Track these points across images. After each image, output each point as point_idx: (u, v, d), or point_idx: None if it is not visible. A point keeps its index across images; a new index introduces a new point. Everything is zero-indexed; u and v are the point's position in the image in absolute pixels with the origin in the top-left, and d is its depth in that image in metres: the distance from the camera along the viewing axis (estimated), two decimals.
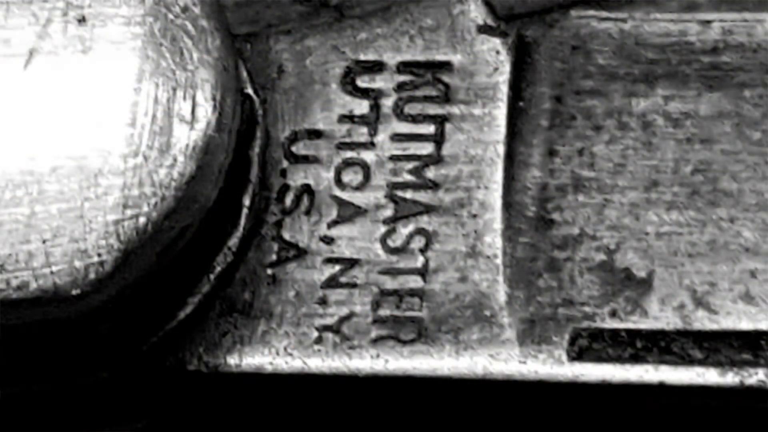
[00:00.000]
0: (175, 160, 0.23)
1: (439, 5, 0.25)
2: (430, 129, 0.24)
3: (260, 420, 0.26)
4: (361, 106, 0.24)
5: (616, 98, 0.24)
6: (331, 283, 0.24)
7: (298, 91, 0.25)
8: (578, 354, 0.24)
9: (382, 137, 0.24)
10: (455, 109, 0.24)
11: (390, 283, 0.24)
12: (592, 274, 0.24)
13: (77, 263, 0.22)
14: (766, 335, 0.23)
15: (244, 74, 0.24)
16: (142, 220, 0.22)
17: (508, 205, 0.24)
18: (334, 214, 0.24)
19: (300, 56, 0.25)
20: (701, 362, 0.23)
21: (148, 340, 0.24)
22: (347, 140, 0.24)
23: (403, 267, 0.24)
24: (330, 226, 0.24)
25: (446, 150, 0.24)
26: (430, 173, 0.24)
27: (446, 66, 0.25)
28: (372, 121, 0.24)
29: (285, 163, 0.24)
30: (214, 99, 0.23)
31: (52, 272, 0.22)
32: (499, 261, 0.24)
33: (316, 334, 0.24)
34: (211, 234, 0.24)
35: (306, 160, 0.24)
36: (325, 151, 0.25)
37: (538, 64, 0.25)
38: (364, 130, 0.25)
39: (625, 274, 0.24)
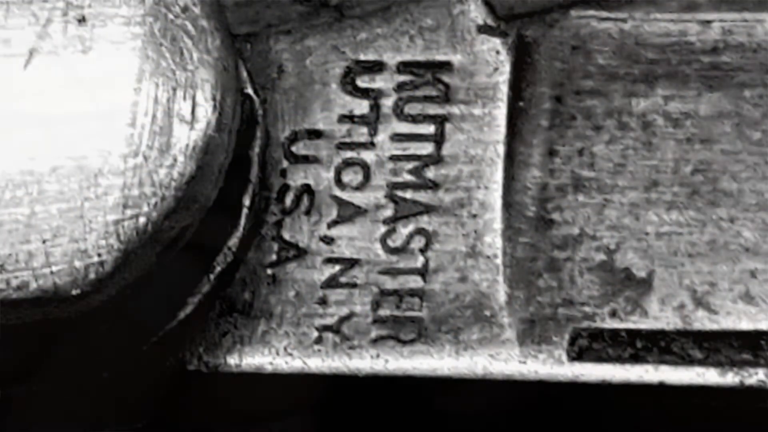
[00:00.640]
0: (175, 160, 0.23)
1: (439, 5, 0.25)
2: (430, 129, 0.24)
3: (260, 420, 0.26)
4: (361, 106, 0.25)
5: (616, 98, 0.24)
6: (331, 283, 0.24)
7: (298, 91, 0.25)
8: (578, 354, 0.24)
9: (382, 137, 0.24)
10: (455, 109, 0.24)
11: (390, 283, 0.24)
12: (592, 274, 0.24)
13: (77, 263, 0.22)
14: (766, 335, 0.23)
15: (244, 74, 0.24)
16: (142, 220, 0.22)
17: (508, 205, 0.24)
18: (334, 214, 0.24)
19: (300, 56, 0.25)
20: (701, 362, 0.23)
21: (148, 340, 0.24)
22: (347, 140, 0.24)
23: (403, 267, 0.24)
24: (330, 226, 0.24)
25: (446, 150, 0.24)
26: (430, 173, 0.24)
27: (446, 66, 0.25)
28: (372, 121, 0.24)
29: (285, 163, 0.24)
30: (214, 99, 0.23)
31: (52, 272, 0.22)
32: (499, 261, 0.24)
33: (316, 334, 0.24)
34: (211, 234, 0.24)
35: (306, 160, 0.24)
36: (325, 151, 0.25)
37: (538, 64, 0.25)
38: (364, 130, 0.25)
39: (625, 274, 0.24)
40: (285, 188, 0.24)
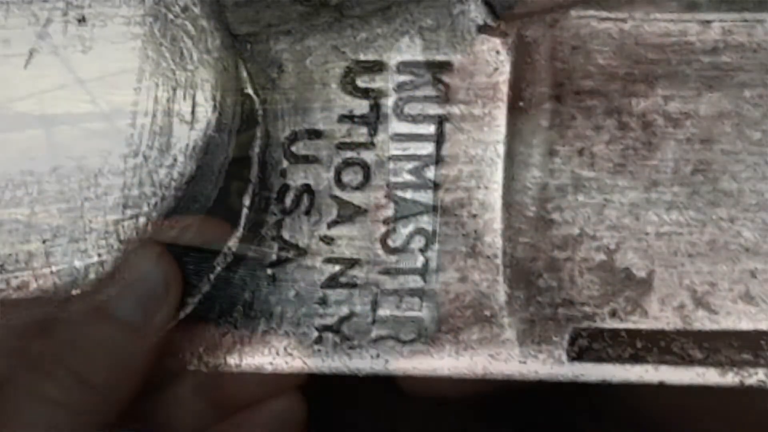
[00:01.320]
0: (175, 160, 0.23)
1: (439, 5, 0.25)
2: (430, 129, 0.24)
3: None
4: (361, 106, 0.24)
5: (616, 98, 0.24)
6: (331, 283, 0.24)
7: (298, 91, 0.25)
8: (578, 354, 0.24)
9: (382, 137, 0.24)
10: (455, 109, 0.24)
11: (390, 283, 0.24)
12: (592, 274, 0.24)
13: (77, 263, 0.22)
14: (766, 335, 0.23)
15: (244, 74, 0.24)
16: (142, 220, 0.22)
17: (508, 205, 0.24)
18: (334, 214, 0.24)
19: (300, 56, 0.25)
20: (701, 362, 0.23)
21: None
22: (347, 140, 0.24)
23: (403, 267, 0.24)
24: (330, 226, 0.24)
25: (446, 150, 0.24)
26: (430, 173, 0.24)
27: (446, 66, 0.24)
28: (372, 121, 0.24)
29: (285, 163, 0.24)
30: (214, 99, 0.23)
31: (52, 272, 0.23)
32: (499, 261, 0.24)
33: (316, 334, 0.24)
34: (211, 234, 0.24)
35: (306, 160, 0.24)
36: (325, 151, 0.24)
37: (538, 64, 0.25)
38: (364, 130, 0.24)
39: (625, 274, 0.24)
40: (285, 188, 0.24)
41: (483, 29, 0.25)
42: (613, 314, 0.23)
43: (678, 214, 0.24)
